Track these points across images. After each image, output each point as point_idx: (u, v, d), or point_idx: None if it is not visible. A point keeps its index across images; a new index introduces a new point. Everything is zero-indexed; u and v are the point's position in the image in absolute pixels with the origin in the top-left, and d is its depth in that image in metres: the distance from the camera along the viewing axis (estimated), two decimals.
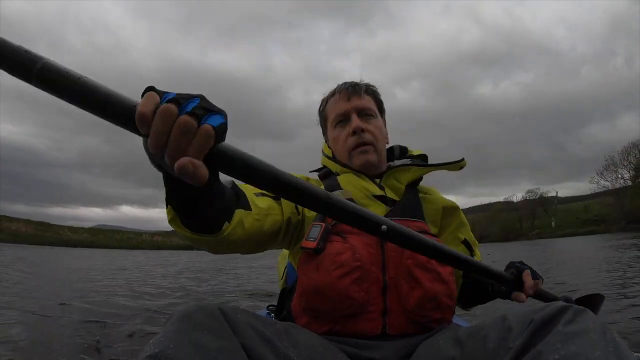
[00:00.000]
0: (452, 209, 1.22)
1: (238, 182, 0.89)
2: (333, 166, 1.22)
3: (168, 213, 0.76)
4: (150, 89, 0.52)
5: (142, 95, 0.51)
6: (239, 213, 0.85)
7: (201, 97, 0.53)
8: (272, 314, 1.22)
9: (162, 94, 0.51)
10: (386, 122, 1.29)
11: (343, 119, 1.19)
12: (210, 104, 0.53)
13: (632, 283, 4.97)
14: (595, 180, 44.83)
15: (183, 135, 0.49)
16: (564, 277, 6.15)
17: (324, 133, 1.30)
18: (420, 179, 1.21)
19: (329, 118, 1.24)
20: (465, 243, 1.24)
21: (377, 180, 1.17)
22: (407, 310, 0.96)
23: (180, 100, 0.51)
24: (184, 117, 0.49)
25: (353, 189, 1.12)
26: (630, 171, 40.89)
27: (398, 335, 0.96)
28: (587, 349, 0.59)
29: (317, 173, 1.27)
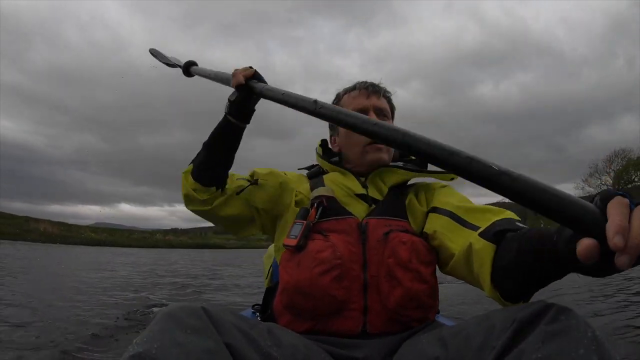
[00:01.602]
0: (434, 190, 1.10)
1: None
2: (323, 164, 1.19)
3: (187, 169, 1.08)
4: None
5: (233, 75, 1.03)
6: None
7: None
8: (257, 314, 1.18)
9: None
10: None
11: None
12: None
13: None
14: (581, 186, 44.60)
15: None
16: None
17: (333, 126, 1.23)
18: (406, 182, 1.15)
19: None
20: (437, 210, 1.01)
21: (362, 179, 1.12)
22: (387, 309, 0.91)
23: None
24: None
25: (335, 187, 1.07)
26: (613, 178, 40.59)
27: (379, 334, 0.91)
28: (570, 347, 0.55)
29: (307, 171, 1.23)
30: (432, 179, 1.14)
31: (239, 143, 1.07)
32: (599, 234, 0.46)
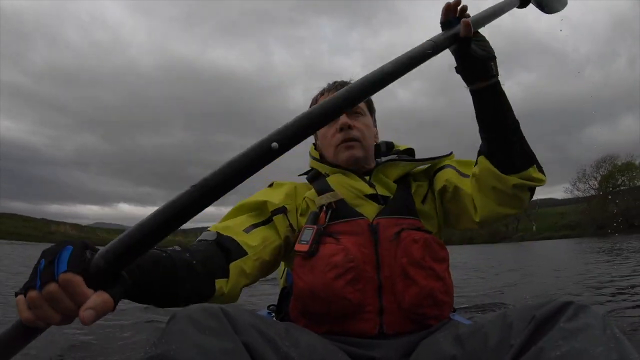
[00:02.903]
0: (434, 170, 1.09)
1: (225, 227, 0.87)
2: (321, 167, 1.12)
3: None
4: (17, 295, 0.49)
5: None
6: (235, 265, 0.83)
7: (43, 253, 0.49)
8: (273, 314, 1.13)
9: (23, 288, 0.48)
10: (376, 121, 1.20)
11: None
12: (52, 250, 0.49)
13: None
14: (569, 190, 44.39)
15: (58, 304, 0.46)
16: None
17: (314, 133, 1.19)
18: (409, 173, 1.10)
19: None
20: (441, 169, 1.06)
21: (367, 178, 1.07)
22: (403, 308, 0.87)
23: (32, 282, 0.47)
24: (41, 294, 0.46)
25: (343, 189, 1.01)
26: (599, 182, 40.45)
27: (396, 334, 0.86)
28: (589, 345, 0.53)
29: (306, 176, 1.15)
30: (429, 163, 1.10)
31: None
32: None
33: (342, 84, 1.11)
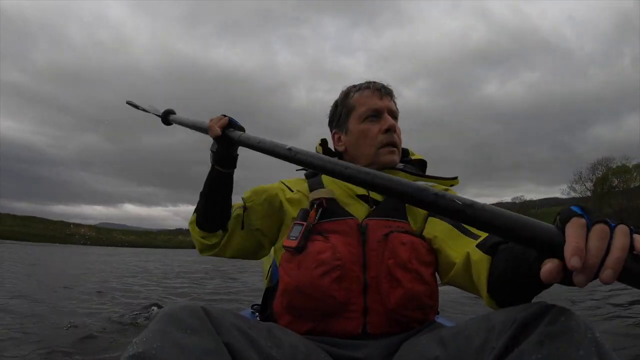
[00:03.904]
0: None
1: None
2: None
3: (192, 219, 1.05)
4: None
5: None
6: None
7: (224, 115, 0.96)
8: (256, 313, 1.11)
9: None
10: None
11: (375, 115, 1.04)
12: (224, 118, 0.95)
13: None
14: (566, 192, 44.00)
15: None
16: None
17: (339, 123, 1.11)
18: None
19: (357, 110, 1.07)
20: (437, 215, 0.92)
21: None
22: (388, 309, 0.85)
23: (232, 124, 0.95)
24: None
25: (336, 187, 1.00)
26: (594, 185, 40.07)
27: (379, 335, 0.84)
28: (569, 348, 0.50)
29: (304, 172, 1.13)
30: (433, 183, 1.05)
31: (231, 187, 1.02)
32: (561, 254, 0.44)
33: (384, 86, 1.08)
